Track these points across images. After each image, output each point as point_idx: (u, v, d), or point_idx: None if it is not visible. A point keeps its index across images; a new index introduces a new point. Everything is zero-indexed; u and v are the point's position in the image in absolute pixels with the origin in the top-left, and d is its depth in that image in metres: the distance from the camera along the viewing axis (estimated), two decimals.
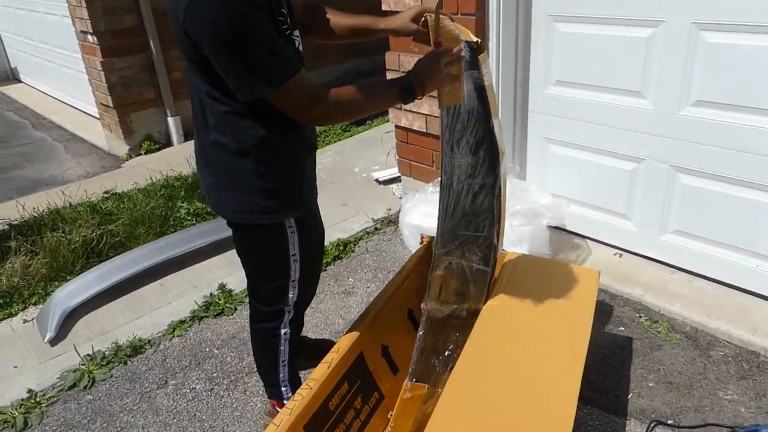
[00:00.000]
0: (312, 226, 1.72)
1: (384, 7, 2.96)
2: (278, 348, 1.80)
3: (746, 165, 2.23)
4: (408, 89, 1.48)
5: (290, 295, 1.72)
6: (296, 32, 1.52)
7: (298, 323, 1.83)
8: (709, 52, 2.19)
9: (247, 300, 2.69)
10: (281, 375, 1.84)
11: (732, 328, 2.26)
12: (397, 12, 2.62)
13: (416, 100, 1.53)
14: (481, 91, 1.60)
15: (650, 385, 2.09)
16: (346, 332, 1.88)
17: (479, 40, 1.56)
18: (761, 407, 1.95)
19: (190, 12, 1.26)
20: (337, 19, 1.70)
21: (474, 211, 1.77)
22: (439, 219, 1.81)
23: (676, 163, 2.42)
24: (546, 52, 2.66)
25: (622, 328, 2.37)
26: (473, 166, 1.69)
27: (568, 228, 2.88)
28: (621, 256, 2.73)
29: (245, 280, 2.81)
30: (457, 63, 1.53)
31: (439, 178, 1.78)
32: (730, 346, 2.23)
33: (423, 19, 1.61)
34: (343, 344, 1.82)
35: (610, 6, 2.38)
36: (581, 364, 1.64)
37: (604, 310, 2.46)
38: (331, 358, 1.76)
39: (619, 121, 2.52)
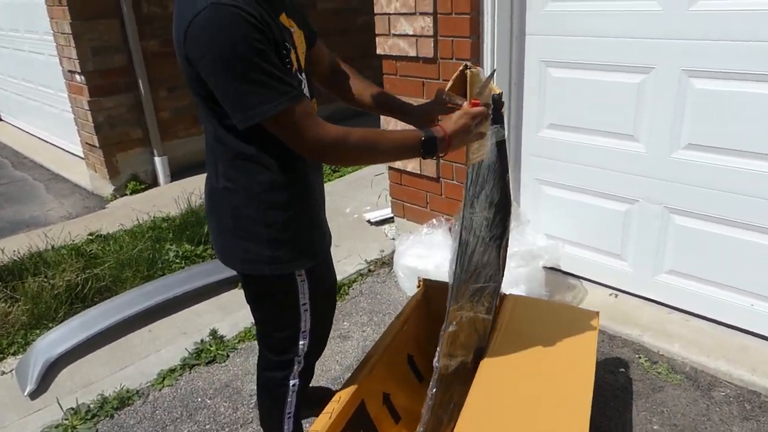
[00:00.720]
0: (323, 275, 1.68)
1: (378, 51, 3.00)
2: (285, 399, 1.73)
3: (737, 206, 2.27)
4: (430, 143, 1.41)
5: (301, 346, 1.66)
6: (303, 74, 1.50)
7: (308, 374, 1.78)
8: (698, 98, 2.24)
9: (240, 346, 2.65)
10: (285, 427, 1.77)
11: (732, 368, 2.26)
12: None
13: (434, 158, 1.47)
14: (501, 145, 1.60)
15: (655, 428, 2.07)
16: (347, 380, 1.84)
17: (501, 92, 1.55)
18: None
19: (191, 33, 1.23)
20: (360, 90, 1.71)
21: (485, 262, 1.74)
22: (454, 275, 1.74)
23: (669, 205, 2.45)
24: (539, 96, 2.71)
25: (623, 370, 2.35)
26: (488, 218, 1.68)
27: (563, 269, 2.88)
28: (617, 296, 2.74)
29: (237, 325, 2.80)
30: (485, 121, 1.50)
31: (454, 225, 1.75)
32: (731, 386, 2.22)
33: (453, 79, 1.57)
34: (344, 393, 1.77)
35: (601, 53, 2.44)
36: (588, 407, 1.62)
37: (603, 351, 2.44)
38: (333, 408, 1.71)
39: (612, 164, 2.56)
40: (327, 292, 1.76)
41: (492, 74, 1.57)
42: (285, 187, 1.46)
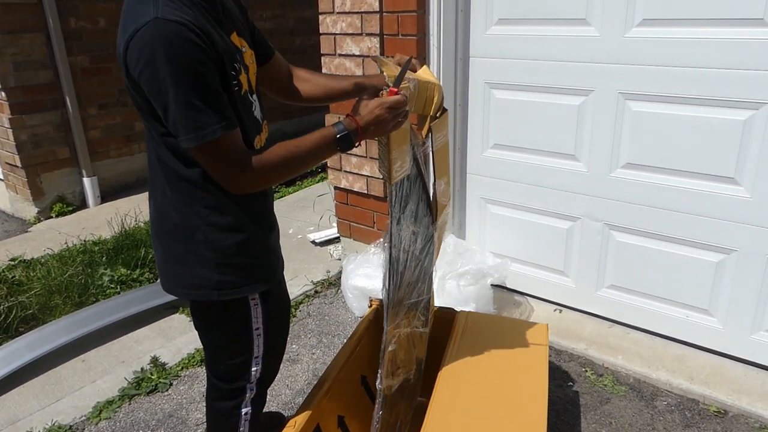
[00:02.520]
0: (277, 298, 1.63)
1: (324, 71, 2.99)
2: (237, 429, 1.65)
3: (673, 222, 2.39)
4: (345, 139, 1.35)
5: (253, 372, 1.59)
6: (254, 96, 1.47)
7: (260, 401, 1.70)
8: (635, 120, 2.37)
9: (183, 374, 2.52)
10: None
11: (671, 377, 2.36)
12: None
13: (355, 148, 1.40)
14: (416, 161, 1.58)
15: None
16: (302, 404, 1.77)
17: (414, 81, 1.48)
18: None
19: (132, 46, 1.19)
20: (325, 83, 1.69)
21: (417, 277, 1.72)
22: (387, 294, 1.66)
23: (609, 221, 2.56)
24: (483, 117, 2.78)
25: (571, 383, 2.41)
26: (415, 233, 1.65)
27: (508, 286, 2.94)
28: (561, 311, 2.81)
29: (180, 351, 2.67)
30: (403, 111, 1.39)
31: (382, 244, 1.72)
32: (672, 395, 2.32)
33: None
34: (300, 419, 1.71)
35: (543, 75, 2.53)
36: (544, 420, 1.64)
37: (551, 366, 2.48)
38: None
39: (554, 182, 2.65)
40: (280, 314, 1.71)
41: (408, 61, 1.47)
42: (232, 209, 1.40)
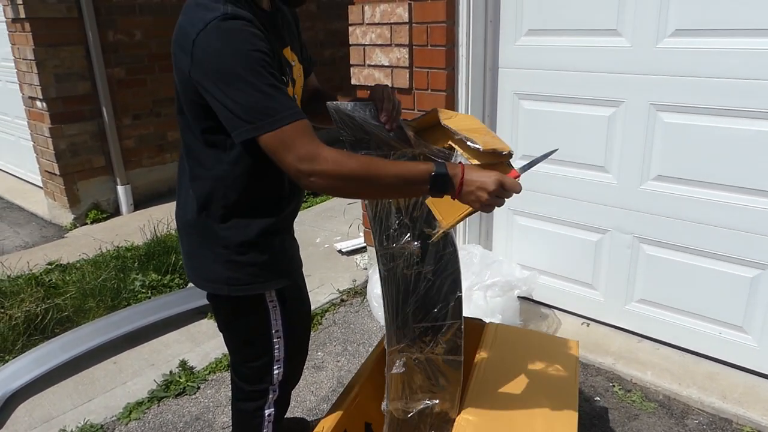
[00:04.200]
0: (296, 301, 1.65)
1: (353, 81, 3.03)
2: (261, 430, 1.67)
3: (705, 236, 2.35)
4: (441, 179, 1.23)
5: (275, 374, 1.61)
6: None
7: (283, 404, 1.72)
8: (667, 131, 2.34)
9: (210, 378, 2.56)
10: None
11: (703, 395, 2.30)
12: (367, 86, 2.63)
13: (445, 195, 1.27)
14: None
15: None
16: (329, 409, 1.78)
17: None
18: None
19: (199, 42, 1.21)
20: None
21: (432, 300, 1.61)
22: (386, 313, 1.59)
23: (639, 234, 2.52)
24: (512, 128, 2.77)
25: (598, 398, 2.37)
26: (422, 253, 1.53)
27: (535, 298, 2.91)
28: (589, 325, 2.77)
29: (207, 355, 2.71)
30: (504, 196, 1.27)
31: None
32: (704, 413, 2.26)
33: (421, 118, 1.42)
34: (327, 423, 1.72)
35: (573, 86, 2.52)
36: None
37: (579, 380, 2.45)
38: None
39: (583, 194, 2.63)
40: (301, 318, 1.73)
41: (548, 153, 1.36)
42: (247, 209, 1.43)
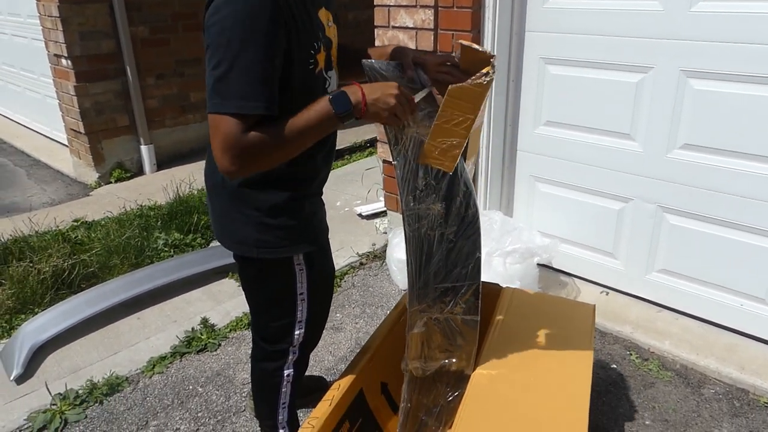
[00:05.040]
0: (322, 265, 1.66)
1: (377, 43, 2.99)
2: (280, 389, 1.71)
3: (731, 206, 2.30)
4: (340, 96, 1.26)
5: (296, 335, 1.64)
6: (330, 72, 1.47)
7: (302, 364, 1.76)
8: (696, 99, 2.28)
9: (231, 335, 2.61)
10: (280, 417, 1.76)
11: (721, 366, 2.29)
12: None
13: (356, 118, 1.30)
14: None
15: (647, 423, 2.09)
16: (346, 369, 1.82)
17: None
18: None
19: (213, 7, 1.21)
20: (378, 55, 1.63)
21: (453, 261, 1.62)
22: (409, 274, 1.62)
23: (663, 204, 2.48)
24: (537, 93, 2.72)
25: (614, 366, 2.38)
26: (445, 214, 1.55)
27: (554, 266, 2.90)
28: (608, 294, 2.77)
29: (228, 314, 2.77)
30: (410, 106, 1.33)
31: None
32: (720, 383, 2.26)
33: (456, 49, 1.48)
34: (344, 382, 1.76)
35: (601, 51, 2.46)
36: (587, 400, 1.63)
37: (595, 348, 2.46)
38: (332, 395, 1.69)
39: (607, 162, 2.59)
40: (324, 281, 1.74)
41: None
42: (277, 171, 1.41)
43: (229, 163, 1.24)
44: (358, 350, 2.35)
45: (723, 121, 2.23)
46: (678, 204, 2.44)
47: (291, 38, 1.26)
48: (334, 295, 2.86)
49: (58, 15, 4.07)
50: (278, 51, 1.24)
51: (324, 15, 1.41)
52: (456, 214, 1.57)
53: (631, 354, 2.43)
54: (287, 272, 1.55)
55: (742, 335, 2.42)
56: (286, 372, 1.72)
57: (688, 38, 2.23)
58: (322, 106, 1.26)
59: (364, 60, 1.46)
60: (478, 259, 1.64)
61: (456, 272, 1.65)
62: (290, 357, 1.70)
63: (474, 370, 1.71)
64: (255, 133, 1.22)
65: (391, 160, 3.24)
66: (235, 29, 1.18)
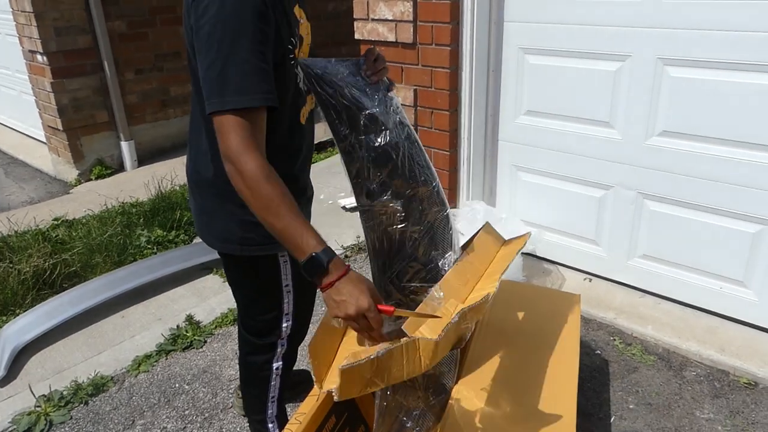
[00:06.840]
0: None
1: (357, 36, 2.98)
2: (269, 383, 1.72)
3: (709, 191, 2.34)
4: (318, 260, 1.15)
5: (284, 328, 1.64)
6: (299, 69, 1.45)
7: (291, 357, 1.76)
8: (674, 86, 2.30)
9: (217, 332, 2.61)
10: (269, 411, 1.76)
11: (702, 348, 2.34)
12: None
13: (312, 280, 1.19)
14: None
15: (631, 407, 2.13)
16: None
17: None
18: (736, 425, 2.02)
19: (201, 8, 1.20)
20: None
21: (420, 260, 1.54)
22: (374, 267, 1.54)
23: (643, 190, 2.51)
24: (517, 83, 2.73)
25: (599, 352, 2.41)
26: (405, 212, 1.48)
27: (538, 254, 2.93)
28: (591, 280, 2.80)
29: (214, 310, 2.76)
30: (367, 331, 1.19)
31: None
32: (702, 366, 2.30)
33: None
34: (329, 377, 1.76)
35: (579, 40, 2.47)
36: (575, 387, 1.66)
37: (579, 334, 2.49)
38: (318, 390, 1.69)
39: (587, 150, 2.61)
40: None
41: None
42: None
43: (250, 158, 1.18)
44: None
45: (699, 108, 2.26)
46: (657, 190, 2.47)
47: (278, 33, 1.26)
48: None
49: (31, 10, 4.00)
50: (269, 45, 1.23)
51: (297, 11, 1.40)
52: (418, 213, 1.48)
53: (614, 340, 2.47)
54: (272, 265, 1.55)
55: (721, 317, 2.47)
56: (275, 365, 1.72)
57: (663, 26, 2.25)
58: (305, 243, 1.16)
59: (300, 59, 1.40)
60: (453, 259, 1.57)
61: (425, 273, 1.56)
62: (279, 350, 1.70)
63: (459, 365, 1.72)
64: (263, 162, 1.19)
65: None
66: (225, 27, 1.17)
